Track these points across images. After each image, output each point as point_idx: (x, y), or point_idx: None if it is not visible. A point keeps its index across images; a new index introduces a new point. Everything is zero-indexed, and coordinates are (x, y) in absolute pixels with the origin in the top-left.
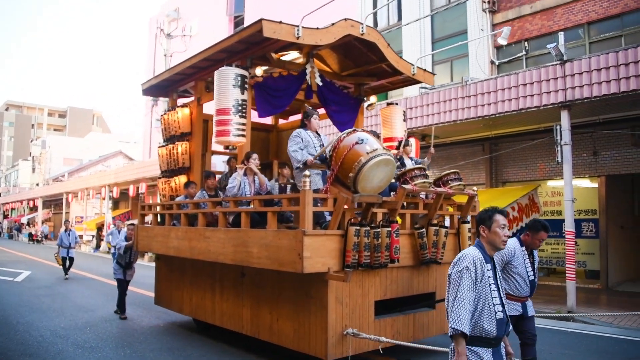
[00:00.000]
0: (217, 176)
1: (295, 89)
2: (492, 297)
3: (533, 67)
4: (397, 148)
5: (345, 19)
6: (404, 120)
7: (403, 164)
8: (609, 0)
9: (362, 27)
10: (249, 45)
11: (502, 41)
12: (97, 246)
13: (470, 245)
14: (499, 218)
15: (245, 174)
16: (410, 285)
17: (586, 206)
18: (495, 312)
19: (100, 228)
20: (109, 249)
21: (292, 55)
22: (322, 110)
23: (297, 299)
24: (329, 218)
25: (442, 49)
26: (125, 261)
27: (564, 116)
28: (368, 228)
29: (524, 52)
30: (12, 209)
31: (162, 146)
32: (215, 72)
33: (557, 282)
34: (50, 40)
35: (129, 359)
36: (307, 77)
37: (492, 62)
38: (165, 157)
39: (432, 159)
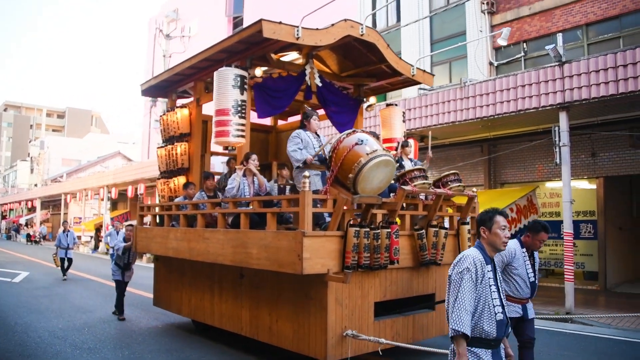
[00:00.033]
0: (216, 177)
1: (294, 90)
2: (492, 299)
3: (532, 69)
4: (396, 149)
5: (345, 20)
6: (404, 121)
7: (402, 165)
8: (608, 2)
9: (362, 28)
10: (248, 46)
11: (502, 42)
12: (96, 247)
13: (469, 246)
14: (500, 219)
15: (244, 175)
16: (410, 286)
17: (584, 207)
18: (495, 314)
19: (98, 229)
20: (108, 250)
21: (291, 56)
22: (321, 111)
23: (296, 300)
24: (328, 219)
25: (440, 50)
26: (123, 262)
27: (563, 117)
28: (368, 229)
29: (522, 54)
30: (11, 209)
31: (161, 147)
32: (215, 73)
33: (556, 283)
34: (50, 40)
35: None
36: (307, 78)
37: (491, 64)
38: (164, 158)
39: (430, 161)
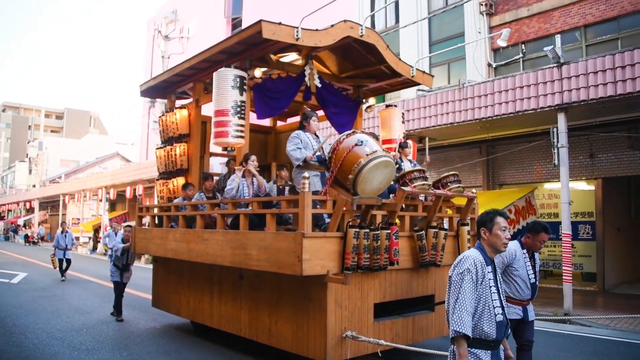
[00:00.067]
0: (215, 178)
1: (294, 91)
2: (492, 300)
3: (530, 70)
4: (396, 150)
5: (345, 21)
6: (403, 122)
7: (401, 167)
8: (606, 3)
9: (362, 29)
10: (248, 47)
11: (501, 43)
12: (94, 248)
13: (469, 247)
14: (500, 220)
15: (243, 176)
16: (410, 287)
17: (583, 208)
18: (495, 315)
19: (97, 230)
20: (106, 251)
21: (291, 57)
22: (321, 112)
23: (296, 301)
24: (328, 220)
25: (439, 52)
26: (122, 263)
27: (561, 119)
28: (367, 230)
29: (521, 55)
30: (9, 210)
31: (160, 148)
32: (214, 73)
33: (554, 284)
34: (49, 40)
35: None
36: (306, 79)
37: (489, 65)
38: (163, 159)
39: (428, 165)
